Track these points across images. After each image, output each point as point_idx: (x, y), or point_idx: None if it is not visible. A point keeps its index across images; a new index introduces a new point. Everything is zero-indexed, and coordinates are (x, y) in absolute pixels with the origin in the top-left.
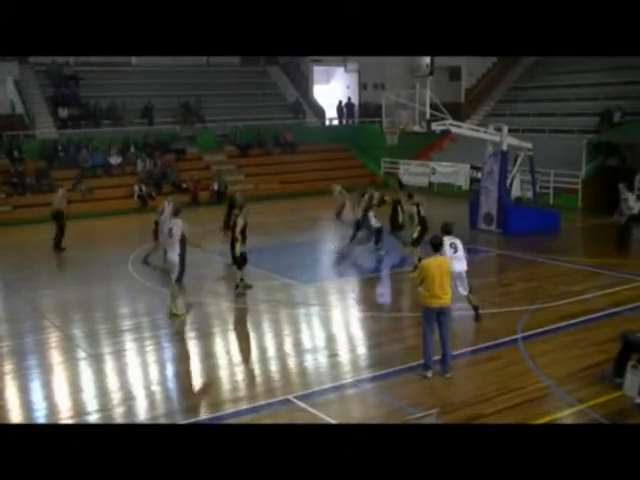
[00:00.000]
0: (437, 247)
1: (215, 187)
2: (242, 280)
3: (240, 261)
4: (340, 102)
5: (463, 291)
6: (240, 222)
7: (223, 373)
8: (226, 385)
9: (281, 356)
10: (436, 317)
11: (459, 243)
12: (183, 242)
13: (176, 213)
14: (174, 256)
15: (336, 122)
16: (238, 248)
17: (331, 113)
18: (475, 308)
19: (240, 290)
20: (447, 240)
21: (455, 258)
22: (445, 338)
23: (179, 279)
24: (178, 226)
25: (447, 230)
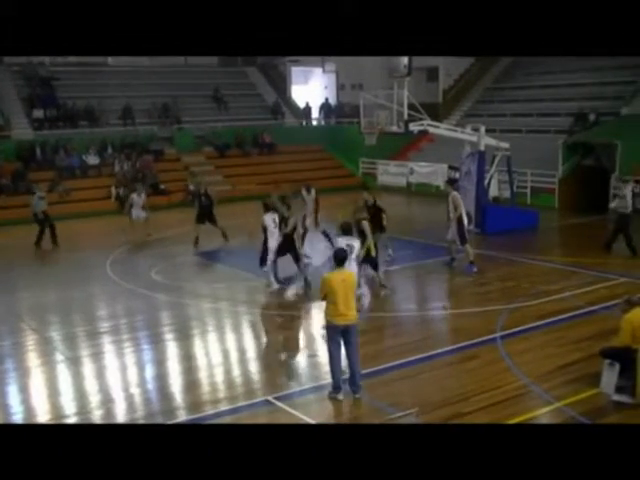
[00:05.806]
0: (341, 261)
1: (191, 187)
2: None
3: None
4: (324, 102)
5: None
6: None
7: (203, 374)
8: (206, 387)
9: (261, 357)
10: (341, 335)
11: (355, 244)
12: None
13: None
14: None
15: (315, 122)
16: None
17: (311, 113)
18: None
19: None
20: (343, 240)
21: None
22: (352, 357)
23: None
24: None
25: (345, 229)
